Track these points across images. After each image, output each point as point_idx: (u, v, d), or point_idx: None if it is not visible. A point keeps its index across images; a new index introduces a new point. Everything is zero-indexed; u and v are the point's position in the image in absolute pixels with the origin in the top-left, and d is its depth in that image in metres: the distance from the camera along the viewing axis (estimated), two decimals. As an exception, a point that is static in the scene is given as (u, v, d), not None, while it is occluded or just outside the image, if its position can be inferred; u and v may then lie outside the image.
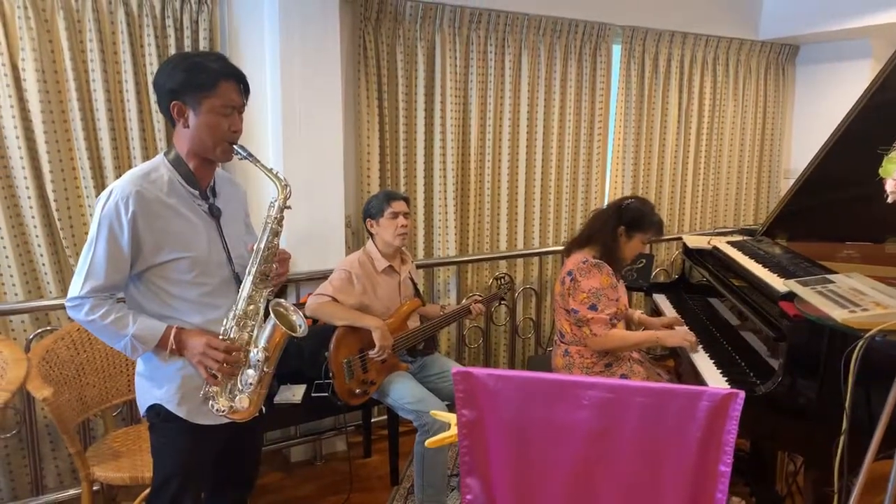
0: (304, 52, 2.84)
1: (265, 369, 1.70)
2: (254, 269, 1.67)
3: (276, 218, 1.69)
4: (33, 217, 2.57)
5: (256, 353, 1.68)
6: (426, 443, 1.89)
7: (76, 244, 2.64)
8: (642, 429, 1.43)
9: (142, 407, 1.76)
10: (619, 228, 2.57)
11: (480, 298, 3.02)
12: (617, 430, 1.45)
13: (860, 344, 1.71)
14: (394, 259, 2.76)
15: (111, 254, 1.58)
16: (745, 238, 3.13)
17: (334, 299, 2.59)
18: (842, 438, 1.73)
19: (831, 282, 2.19)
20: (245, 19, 2.88)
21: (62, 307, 1.68)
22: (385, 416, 3.04)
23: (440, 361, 2.86)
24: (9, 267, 2.55)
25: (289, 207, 1.71)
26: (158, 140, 2.75)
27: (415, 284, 2.89)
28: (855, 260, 2.83)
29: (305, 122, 2.88)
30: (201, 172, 1.70)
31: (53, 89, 2.53)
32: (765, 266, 2.52)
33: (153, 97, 2.58)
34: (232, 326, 1.67)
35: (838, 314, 1.89)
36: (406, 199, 2.75)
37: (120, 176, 1.67)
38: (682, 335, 2.57)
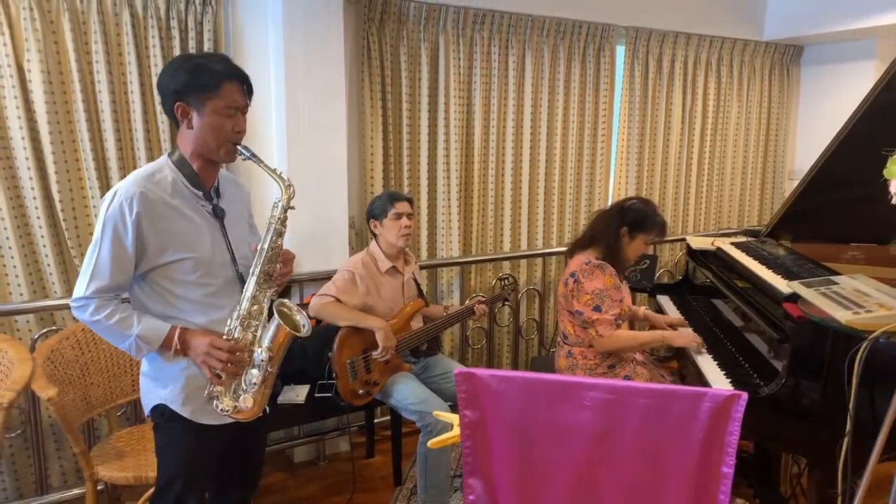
0: (307, 54, 2.84)
1: (269, 369, 1.70)
2: (257, 270, 1.68)
3: (279, 218, 1.69)
4: (38, 218, 2.58)
5: (260, 353, 1.68)
6: (429, 443, 1.89)
7: (81, 245, 2.65)
8: (645, 430, 1.43)
9: (146, 407, 1.76)
10: (622, 229, 2.56)
11: (484, 299, 3.02)
12: (619, 431, 1.45)
13: (864, 346, 1.71)
14: (397, 260, 2.76)
15: (115, 255, 1.59)
16: (749, 239, 3.13)
17: (338, 300, 2.59)
18: (845, 440, 1.73)
19: (835, 283, 2.18)
20: (249, 21, 2.89)
21: (67, 307, 1.69)
22: (388, 417, 3.05)
23: (443, 362, 2.86)
24: (14, 267, 2.57)
25: (292, 208, 1.71)
26: (163, 141, 2.76)
27: (418, 285, 2.90)
28: (860, 261, 2.82)
29: (309, 122, 2.89)
30: (205, 173, 1.71)
31: (59, 90, 2.54)
32: (769, 267, 2.52)
33: (158, 98, 2.59)
34: (236, 326, 1.67)
35: (842, 316, 1.89)
36: (410, 200, 2.75)
37: (125, 177, 1.68)
38: (689, 334, 2.57)
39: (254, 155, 1.68)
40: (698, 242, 3.20)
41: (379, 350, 2.56)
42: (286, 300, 1.74)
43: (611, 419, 1.45)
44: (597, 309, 2.47)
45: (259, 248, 1.69)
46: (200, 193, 1.70)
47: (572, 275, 2.54)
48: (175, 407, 1.70)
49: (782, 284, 2.26)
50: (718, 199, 4.54)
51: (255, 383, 1.68)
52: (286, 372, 2.72)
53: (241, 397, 1.69)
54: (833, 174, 2.66)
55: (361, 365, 2.59)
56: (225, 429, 1.74)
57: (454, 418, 1.63)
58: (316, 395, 2.68)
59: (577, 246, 2.67)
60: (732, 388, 2.21)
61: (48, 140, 2.53)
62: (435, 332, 2.86)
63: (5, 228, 2.53)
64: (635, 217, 2.57)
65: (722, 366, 2.38)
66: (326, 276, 2.79)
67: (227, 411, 1.67)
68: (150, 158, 2.68)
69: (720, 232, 4.21)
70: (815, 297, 2.06)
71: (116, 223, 1.58)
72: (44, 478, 2.66)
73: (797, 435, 2.08)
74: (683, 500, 1.43)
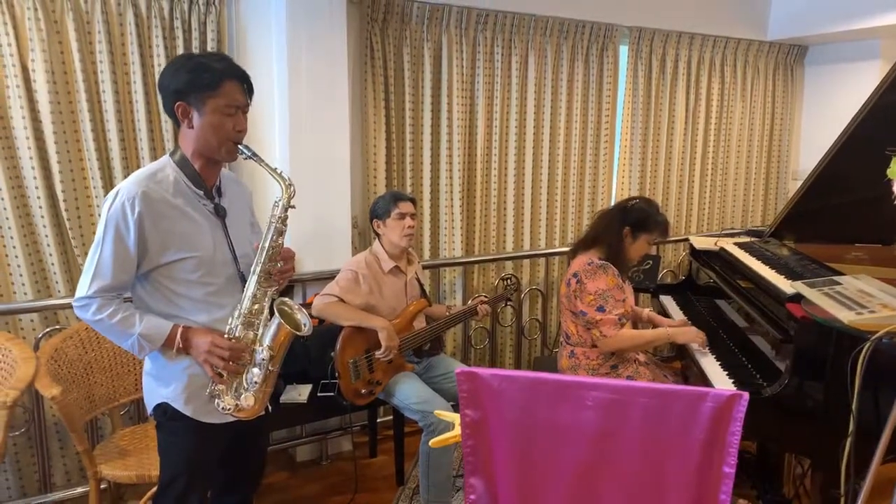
0: (311, 53, 2.85)
1: (270, 368, 1.70)
2: (258, 268, 1.68)
3: (280, 217, 1.69)
4: (42, 217, 2.59)
5: (261, 352, 1.69)
6: (430, 442, 1.89)
7: (85, 244, 2.66)
8: (646, 430, 1.43)
9: (149, 405, 1.77)
10: (625, 229, 2.56)
11: (486, 299, 3.02)
12: (621, 431, 1.44)
13: (867, 346, 1.71)
14: (400, 259, 2.76)
15: (118, 254, 1.59)
16: (753, 239, 3.12)
17: (341, 300, 2.59)
18: (848, 441, 1.72)
19: (838, 283, 2.18)
20: (252, 21, 2.90)
21: (70, 306, 1.69)
22: (391, 417, 3.04)
23: (446, 362, 2.87)
24: (18, 266, 2.58)
25: (293, 207, 1.71)
26: (166, 140, 2.77)
27: (421, 285, 2.90)
28: (863, 262, 2.81)
29: (312, 122, 2.89)
30: (207, 172, 1.71)
31: (63, 90, 2.55)
32: (772, 268, 2.51)
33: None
34: (237, 325, 1.68)
35: (845, 316, 1.88)
36: (413, 200, 2.75)
37: (128, 176, 1.69)
38: (693, 331, 2.56)
39: (255, 154, 1.68)
40: (701, 243, 3.19)
41: (382, 350, 2.56)
42: (287, 299, 1.74)
43: (612, 419, 1.44)
44: (600, 309, 2.46)
45: (260, 246, 1.69)
46: (202, 192, 1.70)
47: (575, 275, 2.54)
48: (177, 406, 1.70)
49: (786, 285, 2.26)
50: (722, 200, 4.53)
51: (256, 382, 1.69)
52: (289, 371, 2.73)
53: (243, 396, 1.69)
54: (837, 174, 2.65)
55: (364, 364, 2.59)
56: (227, 428, 1.74)
57: (455, 417, 1.63)
58: (318, 394, 2.68)
59: (580, 246, 2.67)
60: (735, 388, 2.20)
61: (52, 140, 2.54)
62: (438, 331, 2.86)
63: (9, 228, 2.54)
64: (638, 217, 2.57)
65: (725, 366, 2.37)
66: (329, 276, 2.79)
67: (229, 410, 1.68)
68: (154, 158, 2.69)
69: (723, 232, 4.20)
70: (819, 298, 2.06)
71: (118, 223, 1.58)
72: (47, 476, 2.67)
73: (800, 435, 2.08)
74: (685, 500, 1.43)
